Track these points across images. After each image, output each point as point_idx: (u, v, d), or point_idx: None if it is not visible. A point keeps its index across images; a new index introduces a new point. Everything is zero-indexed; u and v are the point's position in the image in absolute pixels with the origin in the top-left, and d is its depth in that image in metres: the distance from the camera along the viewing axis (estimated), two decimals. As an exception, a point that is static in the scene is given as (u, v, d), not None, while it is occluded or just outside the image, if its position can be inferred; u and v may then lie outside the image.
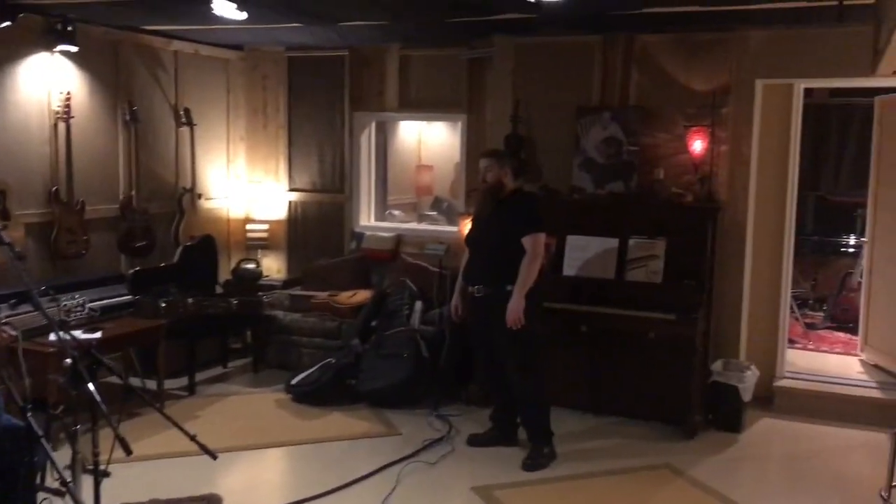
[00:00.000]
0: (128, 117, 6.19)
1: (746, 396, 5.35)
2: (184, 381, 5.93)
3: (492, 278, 4.65)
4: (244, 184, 7.50)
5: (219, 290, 6.73)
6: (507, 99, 6.10)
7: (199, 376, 6.16)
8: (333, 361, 5.82)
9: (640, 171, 5.66)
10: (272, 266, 7.50)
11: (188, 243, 6.32)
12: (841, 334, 7.38)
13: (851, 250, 8.15)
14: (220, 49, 7.13)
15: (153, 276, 5.87)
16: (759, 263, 5.75)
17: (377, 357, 5.81)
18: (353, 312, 6.31)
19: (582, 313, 5.30)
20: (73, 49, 5.62)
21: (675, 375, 5.27)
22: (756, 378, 5.47)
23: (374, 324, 6.11)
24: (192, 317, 5.80)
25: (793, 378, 5.94)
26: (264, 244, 7.38)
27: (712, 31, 5.49)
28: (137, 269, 5.79)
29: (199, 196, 6.91)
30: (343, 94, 7.08)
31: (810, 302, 7.87)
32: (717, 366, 5.47)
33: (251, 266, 7.20)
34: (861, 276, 7.47)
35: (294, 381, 5.80)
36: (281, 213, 7.43)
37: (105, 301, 5.46)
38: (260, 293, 6.81)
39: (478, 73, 6.56)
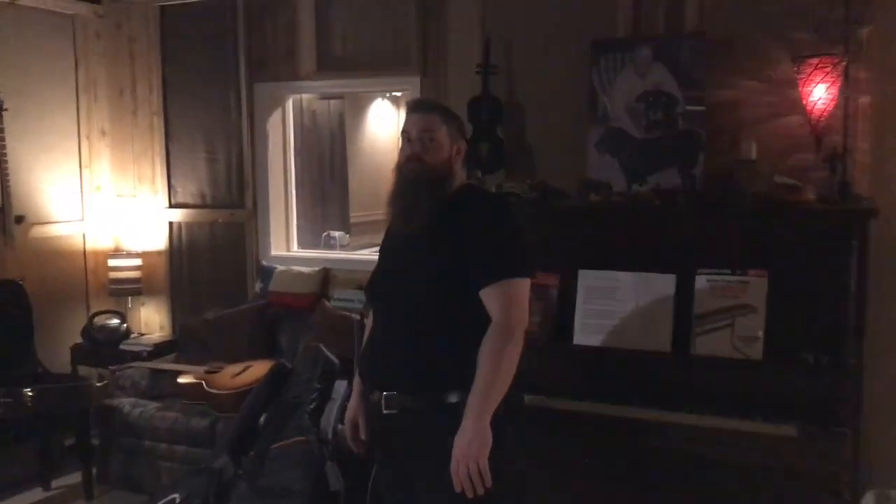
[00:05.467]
0: None
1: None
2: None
3: (416, 376, 2.17)
4: (111, 199, 5.10)
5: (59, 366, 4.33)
6: (475, 41, 3.61)
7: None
8: (178, 501, 3.35)
9: (711, 148, 3.13)
10: (152, 320, 5.07)
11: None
12: None
13: None
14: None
15: None
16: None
17: (252, 494, 3.32)
18: (237, 402, 3.84)
19: (611, 420, 2.78)
20: None
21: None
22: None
23: (261, 420, 3.65)
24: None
25: None
26: (136, 287, 4.95)
27: None
28: None
29: (20, 220, 4.50)
30: (237, 59, 4.65)
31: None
32: (868, 505, 2.89)
33: (114, 322, 4.79)
34: None
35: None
36: (160, 241, 5.00)
37: None
38: (117, 366, 4.40)
39: (435, 9, 4.09)
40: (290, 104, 4.80)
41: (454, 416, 2.07)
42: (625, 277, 2.97)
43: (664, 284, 2.90)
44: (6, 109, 4.38)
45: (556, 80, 3.44)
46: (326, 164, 6.17)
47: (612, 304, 2.96)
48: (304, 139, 4.95)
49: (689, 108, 3.14)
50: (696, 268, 2.87)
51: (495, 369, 2.04)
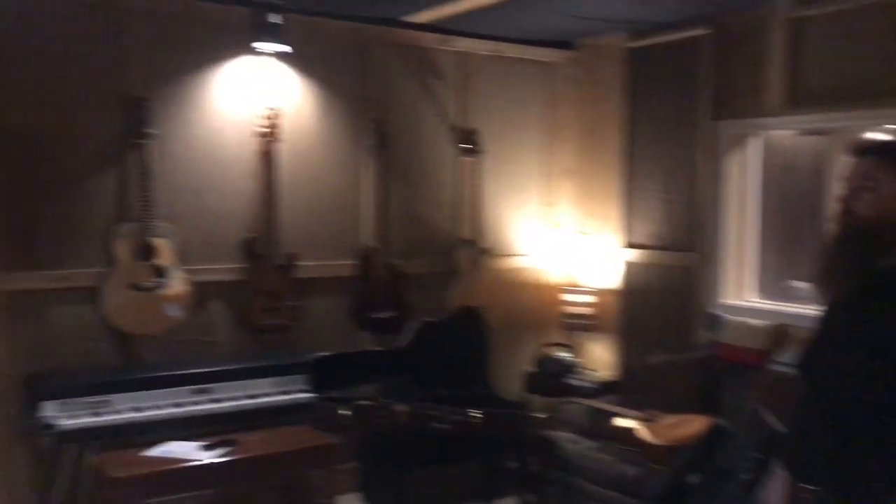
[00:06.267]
0: (375, 141, 4.51)
1: None
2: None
3: (836, 475, 1.81)
4: (569, 236, 5.29)
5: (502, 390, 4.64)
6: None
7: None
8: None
9: None
10: (599, 358, 5.12)
11: (429, 319, 4.34)
12: None
13: None
14: (535, 48, 5.10)
15: (361, 366, 4.05)
16: None
17: (671, 560, 3.11)
18: (670, 455, 3.66)
19: None
20: (285, 49, 4.14)
21: None
22: None
23: (691, 481, 3.41)
24: (408, 433, 3.83)
25: None
26: (588, 324, 5.05)
27: None
28: (327, 354, 3.99)
29: (485, 252, 4.91)
30: (700, 96, 4.47)
31: None
32: None
33: (564, 355, 4.95)
34: None
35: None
36: (614, 280, 5.03)
37: (272, 398, 3.80)
38: (562, 398, 4.55)
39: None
40: (755, 142, 4.47)
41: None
42: None
43: None
44: (485, 152, 4.84)
45: None
46: (800, 207, 5.60)
47: None
48: (774, 179, 4.54)
49: None
50: None
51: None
